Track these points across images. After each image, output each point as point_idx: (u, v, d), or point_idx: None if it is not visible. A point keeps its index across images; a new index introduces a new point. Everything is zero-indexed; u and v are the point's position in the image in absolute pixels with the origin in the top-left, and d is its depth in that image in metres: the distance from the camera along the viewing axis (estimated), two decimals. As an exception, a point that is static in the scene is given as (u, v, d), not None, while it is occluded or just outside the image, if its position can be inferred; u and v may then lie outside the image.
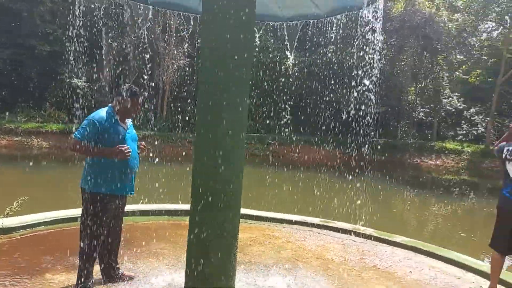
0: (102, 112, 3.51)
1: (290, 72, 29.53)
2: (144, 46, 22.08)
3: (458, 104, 33.26)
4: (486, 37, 35.40)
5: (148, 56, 24.56)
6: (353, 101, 24.98)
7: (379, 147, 28.50)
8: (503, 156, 4.16)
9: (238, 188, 2.89)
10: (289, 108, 29.53)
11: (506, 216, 4.12)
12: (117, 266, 3.84)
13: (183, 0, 4.21)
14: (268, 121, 29.91)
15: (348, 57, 26.81)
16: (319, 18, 4.07)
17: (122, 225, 3.85)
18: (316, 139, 26.44)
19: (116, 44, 26.85)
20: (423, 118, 34.85)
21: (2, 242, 4.68)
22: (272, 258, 4.82)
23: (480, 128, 33.10)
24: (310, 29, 4.28)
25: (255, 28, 3.06)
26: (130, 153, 3.47)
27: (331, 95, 27.77)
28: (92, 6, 22.69)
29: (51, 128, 24.01)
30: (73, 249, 4.40)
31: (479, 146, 29.75)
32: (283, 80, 28.59)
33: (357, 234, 5.90)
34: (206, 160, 2.79)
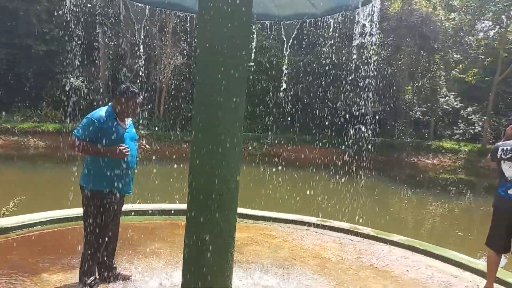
0: (102, 111, 3.52)
1: (286, 71, 29.52)
2: (141, 46, 22.04)
3: (455, 103, 33.34)
4: (482, 36, 35.48)
5: (142, 57, 24.50)
6: (350, 101, 25.05)
7: (376, 146, 28.57)
8: (498, 156, 4.19)
9: (235, 188, 2.89)
10: (285, 107, 29.52)
11: (501, 215, 4.14)
12: (114, 265, 3.84)
13: (180, -1, 4.20)
14: (265, 121, 29.91)
15: (345, 57, 26.82)
16: (315, 18, 4.07)
17: (119, 225, 3.86)
18: (313, 138, 26.48)
19: (112, 43, 26.79)
20: (420, 117, 34.92)
21: (-2, 242, 4.67)
22: (269, 258, 4.82)
23: (477, 127, 33.20)
24: (306, 28, 4.29)
25: (251, 27, 3.05)
26: (129, 153, 3.49)
27: (328, 94, 27.84)
28: (89, 5, 22.65)
29: (48, 127, 23.95)
30: (70, 249, 4.40)
31: (476, 145, 29.84)
32: (280, 79, 28.59)
33: (354, 233, 5.91)
34: (203, 159, 2.79)
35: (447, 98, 33.44)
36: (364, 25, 3.69)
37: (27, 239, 4.83)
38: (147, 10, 4.08)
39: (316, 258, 4.93)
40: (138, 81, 23.15)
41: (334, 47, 27.97)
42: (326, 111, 26.60)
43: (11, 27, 26.86)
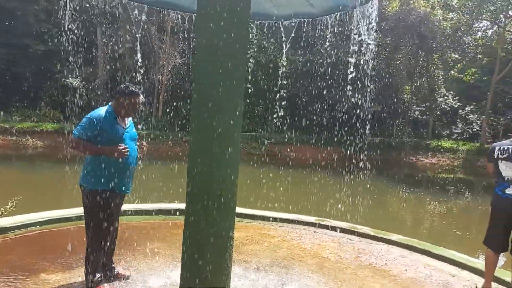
0: (102, 111, 3.53)
1: (285, 70, 29.53)
2: (139, 45, 22.02)
3: (453, 103, 33.39)
4: (481, 36, 35.53)
5: (140, 56, 24.49)
6: (349, 100, 25.07)
7: (374, 145, 28.60)
8: (495, 155, 4.20)
9: (233, 187, 2.89)
10: (284, 107, 29.54)
11: (499, 214, 4.16)
12: (113, 265, 3.84)
13: (178, -2, 4.20)
14: (263, 120, 29.93)
15: (343, 56, 26.83)
16: (313, 17, 4.07)
17: (118, 225, 3.86)
18: (311, 138, 26.49)
19: (111, 43, 26.78)
20: (419, 116, 34.98)
21: (-4, 242, 4.67)
22: (267, 257, 4.82)
23: (475, 127, 33.27)
24: (305, 27, 4.29)
25: (250, 27, 3.06)
26: (128, 152, 3.50)
27: (327, 93, 27.84)
28: (87, 5, 22.63)
29: (46, 127, 23.92)
30: (68, 249, 4.40)
31: (474, 144, 29.89)
32: (278, 78, 28.60)
33: (353, 232, 5.91)
34: (201, 159, 2.79)
35: (445, 97, 33.50)
36: (362, 25, 3.69)
37: (25, 239, 4.83)
38: (145, 10, 4.08)
39: (315, 258, 4.94)
40: (136, 81, 23.15)
41: (332, 47, 27.98)
42: (324, 111, 26.61)
43: (9, 27, 26.83)
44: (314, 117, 27.14)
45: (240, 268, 4.39)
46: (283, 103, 29.21)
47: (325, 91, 26.79)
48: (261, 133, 28.86)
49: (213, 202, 2.76)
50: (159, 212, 6.21)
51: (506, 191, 4.04)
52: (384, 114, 32.65)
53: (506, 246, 4.14)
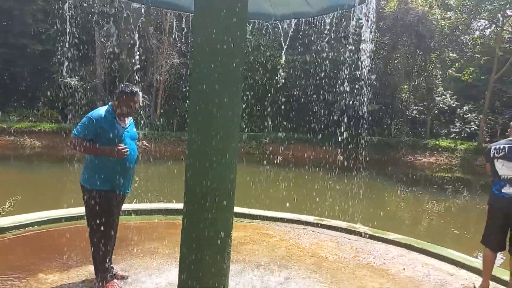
0: (101, 111, 3.53)
1: (283, 70, 29.56)
2: (138, 45, 22.01)
3: (451, 102, 33.44)
4: (478, 35, 35.56)
5: (138, 56, 24.47)
6: (347, 100, 25.10)
7: (372, 144, 28.65)
8: (491, 155, 4.22)
9: (231, 187, 2.89)
10: (283, 107, 29.57)
11: (496, 213, 4.17)
12: (111, 265, 3.83)
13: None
14: (262, 120, 29.93)
15: (341, 56, 26.85)
16: (311, 17, 4.07)
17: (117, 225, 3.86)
18: (310, 138, 26.52)
19: (109, 43, 26.75)
20: (417, 116, 35.02)
21: (-6, 242, 4.66)
22: (266, 257, 4.82)
23: (473, 126, 33.31)
24: (302, 27, 4.29)
25: (247, 26, 3.05)
26: (128, 152, 3.50)
27: (325, 93, 27.86)
28: (85, 5, 22.60)
29: (44, 127, 23.89)
30: (66, 249, 4.40)
31: (472, 143, 29.93)
32: (276, 78, 28.61)
33: (351, 232, 5.92)
34: (199, 159, 2.79)
35: (443, 96, 33.54)
36: (360, 24, 3.70)
37: (23, 239, 4.82)
38: (143, 10, 4.07)
39: (313, 257, 4.94)
40: (135, 81, 23.14)
41: (330, 46, 28.01)
42: (323, 110, 26.63)
43: (7, 27, 26.78)
44: (312, 117, 27.16)
45: (238, 267, 4.39)
46: (281, 103, 29.25)
47: (323, 91, 26.82)
48: (259, 133, 28.87)
49: (211, 201, 2.76)
50: (157, 212, 6.21)
51: (503, 190, 4.05)
52: (382, 114, 32.71)
53: (504, 245, 4.15)
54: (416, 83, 32.93)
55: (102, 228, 3.49)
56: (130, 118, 3.76)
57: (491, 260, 4.18)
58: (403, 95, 34.53)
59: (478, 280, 4.41)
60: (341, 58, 26.64)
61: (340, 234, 5.89)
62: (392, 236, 5.79)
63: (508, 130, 4.33)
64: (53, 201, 9.50)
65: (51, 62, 26.02)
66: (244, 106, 26.65)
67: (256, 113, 29.93)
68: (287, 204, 8.75)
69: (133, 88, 3.58)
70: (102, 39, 26.95)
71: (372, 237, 5.78)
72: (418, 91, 33.32)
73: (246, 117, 28.88)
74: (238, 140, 2.94)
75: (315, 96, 27.52)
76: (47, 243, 4.84)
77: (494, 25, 33.05)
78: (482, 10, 30.69)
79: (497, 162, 4.15)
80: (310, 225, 6.17)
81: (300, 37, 23.12)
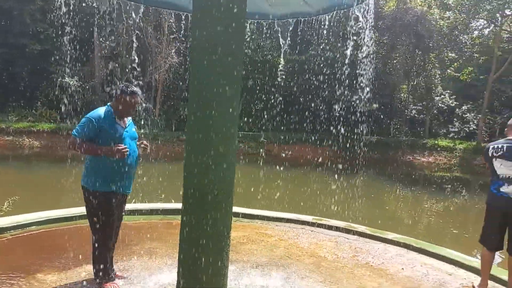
0: (101, 111, 3.53)
1: (282, 69, 29.56)
2: (136, 45, 22.00)
3: (450, 102, 33.48)
4: (477, 35, 35.61)
5: (137, 56, 24.46)
6: (346, 99, 25.12)
7: (371, 144, 28.66)
8: (490, 154, 4.22)
9: (230, 187, 2.88)
10: (281, 106, 29.56)
11: (494, 212, 4.17)
12: (111, 265, 3.83)
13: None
14: (260, 119, 29.91)
15: (340, 56, 26.87)
16: (310, 16, 4.06)
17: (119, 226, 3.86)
18: (309, 137, 26.51)
19: (107, 43, 26.72)
20: (416, 115, 35.05)
21: (-7, 242, 4.65)
22: (265, 256, 4.82)
23: (472, 125, 33.35)
24: (301, 27, 4.29)
25: (246, 26, 3.05)
26: (128, 152, 3.49)
27: (324, 93, 27.88)
28: (83, 5, 22.56)
29: (43, 127, 23.85)
30: (65, 249, 4.40)
31: (471, 143, 29.97)
32: (275, 78, 28.61)
33: (350, 231, 5.92)
34: (197, 158, 2.78)
35: (442, 96, 33.57)
36: (359, 24, 3.70)
37: (22, 239, 4.81)
38: (141, 9, 4.07)
39: (312, 257, 4.94)
40: (134, 81, 23.11)
41: (329, 46, 28.02)
42: (322, 110, 26.64)
43: (6, 27, 26.73)
44: (311, 116, 27.18)
45: (237, 267, 4.39)
46: (280, 102, 29.24)
47: (322, 90, 26.83)
48: (258, 132, 28.85)
49: (209, 201, 2.75)
50: (156, 211, 6.21)
51: (501, 189, 4.05)
52: (381, 113, 32.71)
53: (502, 245, 4.15)
54: (415, 83, 32.97)
55: (102, 228, 3.49)
56: (130, 118, 3.75)
57: (490, 260, 4.19)
58: (402, 94, 34.56)
59: (477, 279, 4.42)
60: (340, 58, 26.64)
61: (339, 234, 5.89)
62: (391, 235, 5.80)
63: (506, 129, 4.33)
64: (52, 201, 9.50)
65: (50, 62, 25.99)
66: (243, 106, 26.66)
67: (255, 113, 29.92)
68: (286, 203, 8.76)
69: (132, 88, 3.58)
70: (101, 39, 26.93)
71: (371, 236, 5.78)
72: (417, 91, 33.36)
73: (244, 116, 28.87)
74: (237, 140, 2.94)
75: (314, 95, 27.54)
76: (46, 243, 4.83)
77: (492, 25, 33.11)
78: (481, 10, 30.73)
79: (496, 161, 4.16)
80: (308, 225, 6.17)
81: (300, 36, 23.11)
